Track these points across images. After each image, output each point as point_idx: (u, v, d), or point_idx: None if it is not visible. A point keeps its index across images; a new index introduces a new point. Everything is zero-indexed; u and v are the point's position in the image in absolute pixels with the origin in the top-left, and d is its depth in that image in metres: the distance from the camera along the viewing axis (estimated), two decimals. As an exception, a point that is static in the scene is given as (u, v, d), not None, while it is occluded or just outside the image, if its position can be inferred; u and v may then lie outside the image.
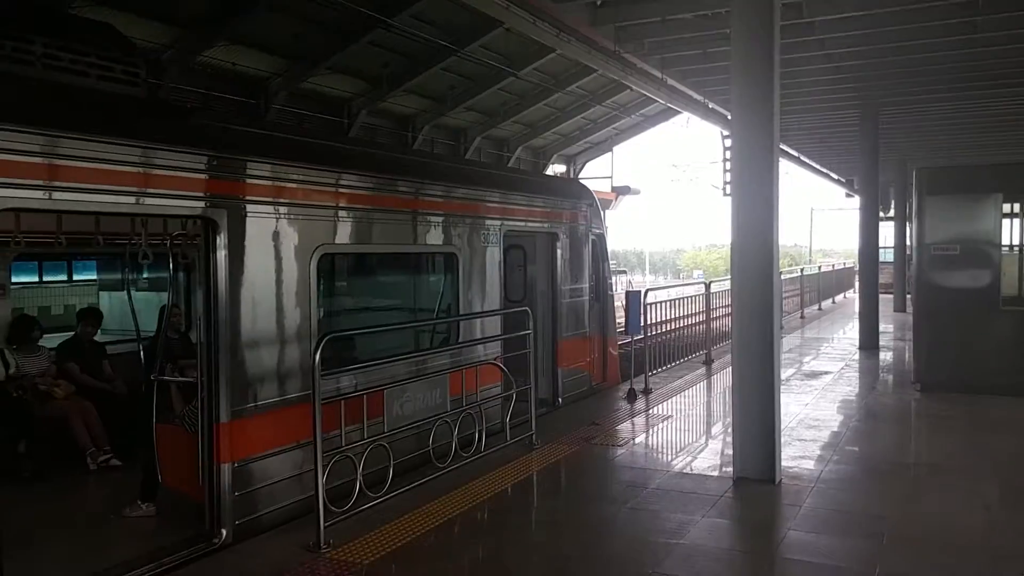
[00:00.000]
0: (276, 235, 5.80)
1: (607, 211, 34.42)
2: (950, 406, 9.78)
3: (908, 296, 25.37)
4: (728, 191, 30.69)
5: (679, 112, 29.09)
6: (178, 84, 15.78)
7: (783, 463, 6.76)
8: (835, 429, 8.67)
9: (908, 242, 31.80)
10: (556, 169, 30.39)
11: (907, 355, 14.38)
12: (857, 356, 14.32)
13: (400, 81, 19.90)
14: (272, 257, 5.76)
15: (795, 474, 6.80)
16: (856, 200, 38.22)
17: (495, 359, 7.63)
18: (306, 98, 19.11)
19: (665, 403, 10.11)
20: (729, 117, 15.71)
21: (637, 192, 35.16)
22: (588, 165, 32.65)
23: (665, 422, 9.01)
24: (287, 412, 5.71)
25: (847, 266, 33.64)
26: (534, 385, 7.75)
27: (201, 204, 5.25)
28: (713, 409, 10.05)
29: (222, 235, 5.36)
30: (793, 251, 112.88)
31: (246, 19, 15.30)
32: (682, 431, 8.70)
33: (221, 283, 5.35)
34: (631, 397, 10.32)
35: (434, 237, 7.74)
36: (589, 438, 8.17)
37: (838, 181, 30.44)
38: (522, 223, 9.34)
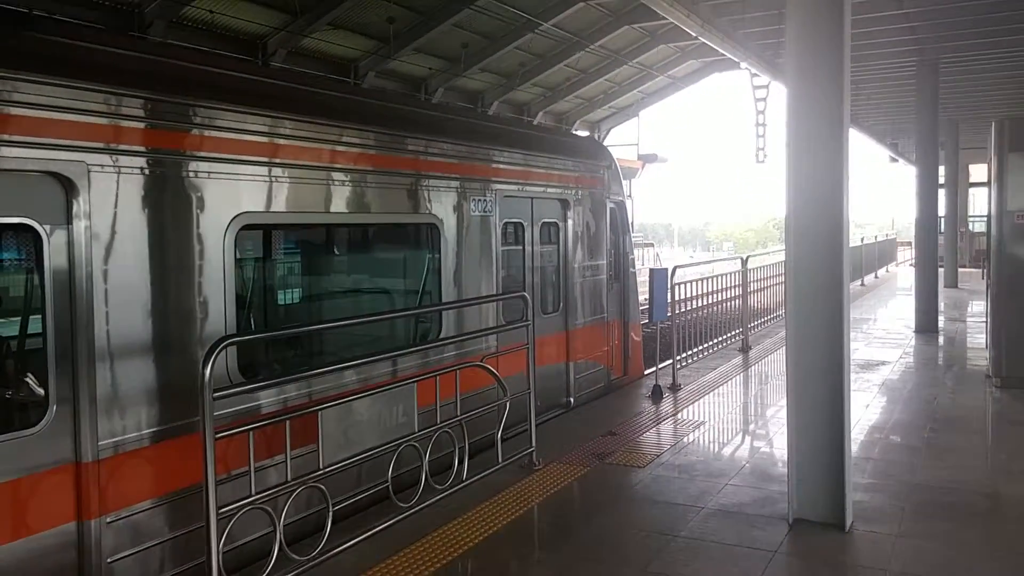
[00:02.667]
0: (169, 199, 4.32)
1: (632, 180, 32.70)
2: (1040, 408, 8.15)
3: (960, 270, 23.71)
4: (762, 158, 28.80)
5: (711, 72, 27.37)
6: (164, 39, 14.37)
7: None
8: (907, 442, 7.08)
9: (969, 212, 30.03)
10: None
11: (969, 340, 12.67)
12: (914, 342, 12.62)
13: (409, 39, 18.32)
14: (162, 230, 4.28)
15: (868, 514, 5.24)
16: (899, 165, 36.11)
17: (483, 359, 6.07)
18: (308, 58, 17.61)
19: (696, 404, 8.55)
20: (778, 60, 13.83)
21: (665, 160, 33.32)
22: (613, 131, 30.87)
23: (697, 431, 7.46)
24: (183, 444, 4.24)
25: (888, 237, 31.65)
26: (532, 390, 6.23)
27: (48, 155, 3.76)
28: (753, 412, 8.48)
29: (82, 199, 3.88)
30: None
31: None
32: (718, 444, 7.15)
33: (80, 267, 3.88)
34: (656, 395, 8.78)
35: (406, 203, 6.21)
36: (604, 454, 6.66)
37: (884, 144, 28.28)
38: (523, 187, 7.77)
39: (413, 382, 5.04)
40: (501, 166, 7.36)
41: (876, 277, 24.96)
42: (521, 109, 25.03)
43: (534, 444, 6.29)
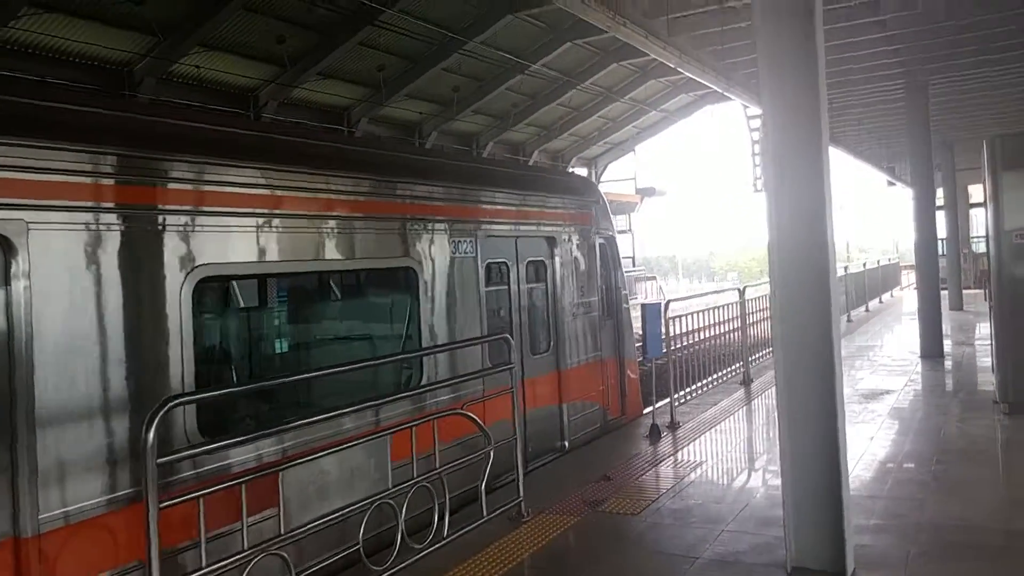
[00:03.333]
0: (118, 254, 4.15)
1: (632, 214, 32.68)
2: (1052, 434, 7.85)
3: (965, 292, 23.39)
4: (760, 187, 28.84)
5: (703, 105, 27.44)
6: (156, 96, 14.40)
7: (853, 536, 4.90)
8: (915, 476, 6.78)
9: (972, 233, 29.77)
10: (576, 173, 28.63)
11: (977, 364, 12.36)
12: (920, 368, 12.31)
13: (399, 85, 18.37)
14: (111, 287, 4.10)
15: (872, 558, 4.95)
16: (898, 189, 35.97)
17: (465, 406, 5.82)
18: (300, 108, 17.67)
19: (696, 443, 8.27)
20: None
21: (663, 193, 33.33)
22: (610, 167, 30.90)
23: (695, 472, 7.17)
24: (133, 513, 3.99)
25: (891, 261, 31.38)
26: (518, 436, 5.98)
27: None
28: (755, 449, 8.19)
29: (20, 258, 3.71)
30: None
31: (221, 22, 13.82)
32: (717, 485, 6.86)
33: (20, 328, 3.69)
34: (654, 435, 8.51)
35: (379, 248, 6.04)
36: (597, 501, 6.38)
37: (881, 168, 28.16)
38: (508, 226, 7.60)
39: (386, 435, 4.78)
40: (482, 206, 7.21)
41: (880, 302, 24.65)
42: (516, 149, 25.05)
43: (522, 494, 6.02)
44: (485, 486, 5.79)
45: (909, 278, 32.46)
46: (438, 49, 17.28)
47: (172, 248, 4.40)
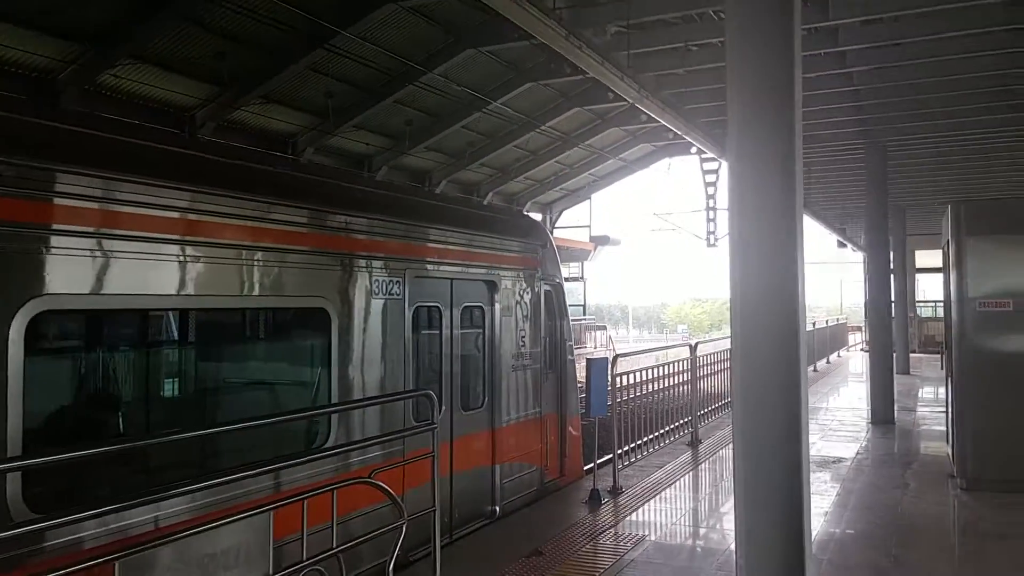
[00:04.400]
0: None
1: (585, 262, 32.32)
2: (1011, 515, 7.35)
3: (911, 355, 23.38)
4: (713, 241, 28.62)
5: (662, 157, 27.35)
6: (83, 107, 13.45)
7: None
8: (876, 562, 6.18)
9: (918, 298, 30.09)
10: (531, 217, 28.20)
11: (926, 432, 11.98)
12: (870, 434, 11.88)
13: (348, 115, 17.71)
14: None
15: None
16: (846, 252, 36.33)
17: (373, 473, 5.03)
18: (241, 132, 16.83)
19: (639, 511, 7.59)
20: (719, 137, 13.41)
21: (617, 243, 33.05)
22: (565, 213, 30.58)
23: (639, 549, 6.46)
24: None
25: (839, 321, 31.51)
26: (437, 508, 5.21)
27: None
28: (704, 520, 7.54)
29: None
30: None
31: (153, 34, 13.03)
32: (661, 563, 6.16)
33: None
34: (594, 501, 7.81)
35: (282, 284, 5.30)
36: (525, 582, 5.63)
37: (833, 228, 28.31)
38: (439, 267, 6.91)
39: (267, 510, 3.97)
40: (411, 242, 6.52)
41: (828, 362, 24.49)
42: (470, 189, 24.49)
43: (438, 573, 5.23)
44: (395, 563, 5.00)
45: (856, 338, 32.64)
46: (393, 80, 16.70)
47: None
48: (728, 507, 7.67)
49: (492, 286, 7.68)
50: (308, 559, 4.15)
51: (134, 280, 4.36)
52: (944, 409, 10.54)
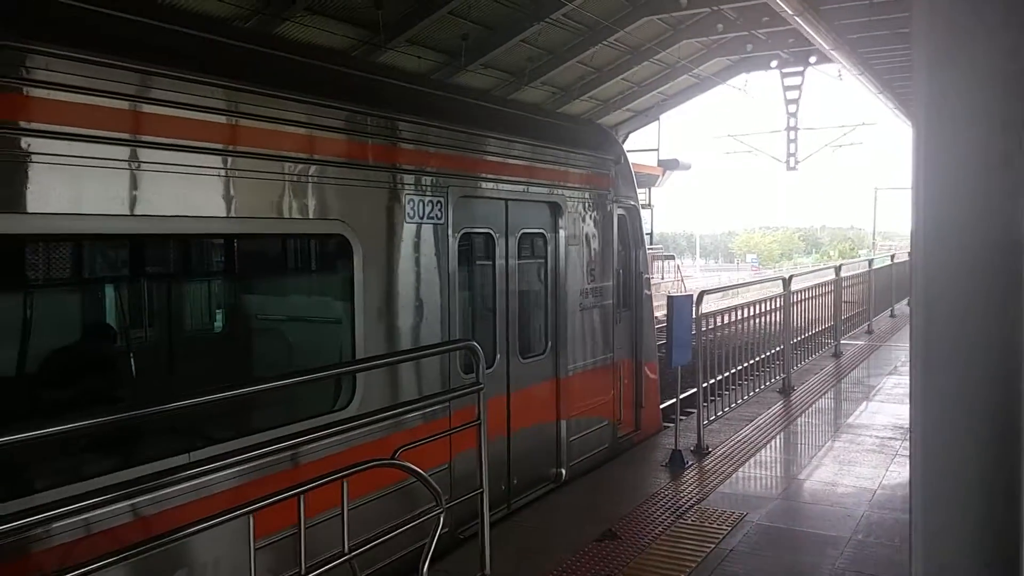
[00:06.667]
0: None
1: (652, 188, 30.53)
2: None
3: None
4: (794, 164, 26.45)
5: (739, 72, 25.14)
6: None
7: None
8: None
9: None
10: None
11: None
12: None
13: (401, 28, 16.32)
14: None
15: None
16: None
17: (397, 453, 3.86)
18: (286, 45, 15.66)
19: (732, 478, 6.35)
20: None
21: (687, 167, 31.04)
22: (632, 136, 28.71)
23: (737, 532, 5.24)
24: None
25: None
26: (484, 487, 4.06)
27: None
28: (814, 493, 6.22)
29: None
30: (851, 234, 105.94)
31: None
32: (772, 559, 4.92)
33: None
34: (675, 464, 6.60)
35: (297, 205, 4.12)
36: (597, 578, 4.48)
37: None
38: (492, 184, 5.63)
39: (246, 512, 2.81)
40: (455, 152, 5.23)
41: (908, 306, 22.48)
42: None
43: (488, 568, 4.12)
44: (444, 540, 3.95)
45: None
46: (441, -13, 15.25)
47: None
48: (842, 477, 6.37)
49: (556, 208, 6.37)
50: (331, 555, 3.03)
51: (85, 194, 3.25)
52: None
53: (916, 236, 2.83)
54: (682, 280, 27.69)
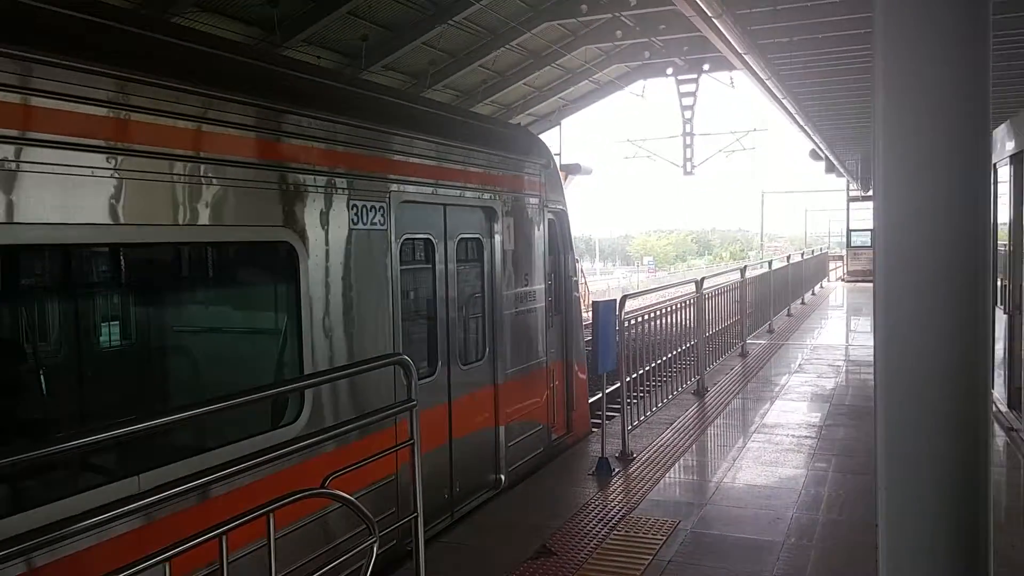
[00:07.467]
0: None
1: (555, 192, 30.78)
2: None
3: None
4: (690, 168, 27.06)
5: (637, 79, 25.60)
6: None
7: None
8: None
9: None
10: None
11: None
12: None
13: (296, 27, 15.78)
14: None
15: None
16: (822, 180, 35.27)
17: (327, 481, 3.54)
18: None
19: (659, 485, 6.32)
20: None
21: (589, 171, 31.27)
22: (533, 141, 28.84)
23: (672, 542, 5.17)
24: None
25: (822, 251, 30.94)
26: (420, 511, 3.81)
27: None
28: (741, 497, 6.23)
29: None
30: (739, 236, 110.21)
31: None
32: (710, 569, 4.88)
33: None
34: (602, 472, 6.53)
35: (240, 211, 3.80)
36: (538, 598, 4.31)
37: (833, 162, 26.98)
38: (432, 188, 5.42)
39: (162, 560, 2.45)
40: (396, 157, 4.98)
41: (813, 294, 23.53)
42: (432, 114, 22.70)
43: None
44: (392, 552, 3.69)
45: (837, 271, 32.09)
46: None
47: None
48: (767, 479, 6.43)
49: (491, 213, 6.20)
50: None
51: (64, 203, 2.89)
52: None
53: (877, 229, 2.76)
54: (586, 283, 28.04)
